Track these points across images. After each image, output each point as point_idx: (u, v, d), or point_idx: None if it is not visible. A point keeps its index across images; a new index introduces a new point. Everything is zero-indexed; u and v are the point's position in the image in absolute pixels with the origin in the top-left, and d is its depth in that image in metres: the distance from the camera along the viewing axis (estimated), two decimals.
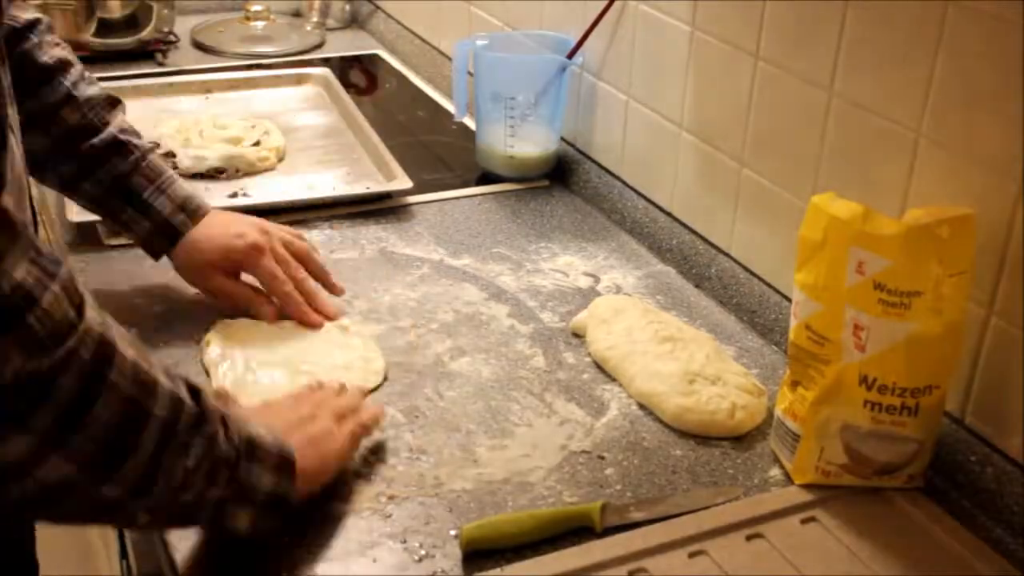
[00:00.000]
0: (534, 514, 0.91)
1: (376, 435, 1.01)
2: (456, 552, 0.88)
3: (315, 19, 2.16)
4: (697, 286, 1.30)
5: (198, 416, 0.77)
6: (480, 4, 1.76)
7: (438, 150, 1.66)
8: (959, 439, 0.98)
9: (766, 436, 1.04)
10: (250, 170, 1.50)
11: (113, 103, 1.18)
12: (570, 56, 1.45)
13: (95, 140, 1.15)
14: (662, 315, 1.19)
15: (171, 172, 1.20)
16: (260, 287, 1.18)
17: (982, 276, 0.93)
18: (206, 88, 1.77)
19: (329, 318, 1.17)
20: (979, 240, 0.90)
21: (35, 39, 1.13)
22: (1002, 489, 0.93)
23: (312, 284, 1.19)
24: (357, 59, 2.06)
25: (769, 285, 1.21)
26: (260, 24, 2.11)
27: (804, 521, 0.93)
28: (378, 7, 2.18)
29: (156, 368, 0.75)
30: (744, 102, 1.20)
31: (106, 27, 1.90)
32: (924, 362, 0.90)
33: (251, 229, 1.19)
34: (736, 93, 1.21)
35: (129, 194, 1.16)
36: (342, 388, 1.01)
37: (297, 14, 2.22)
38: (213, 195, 1.43)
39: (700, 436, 1.04)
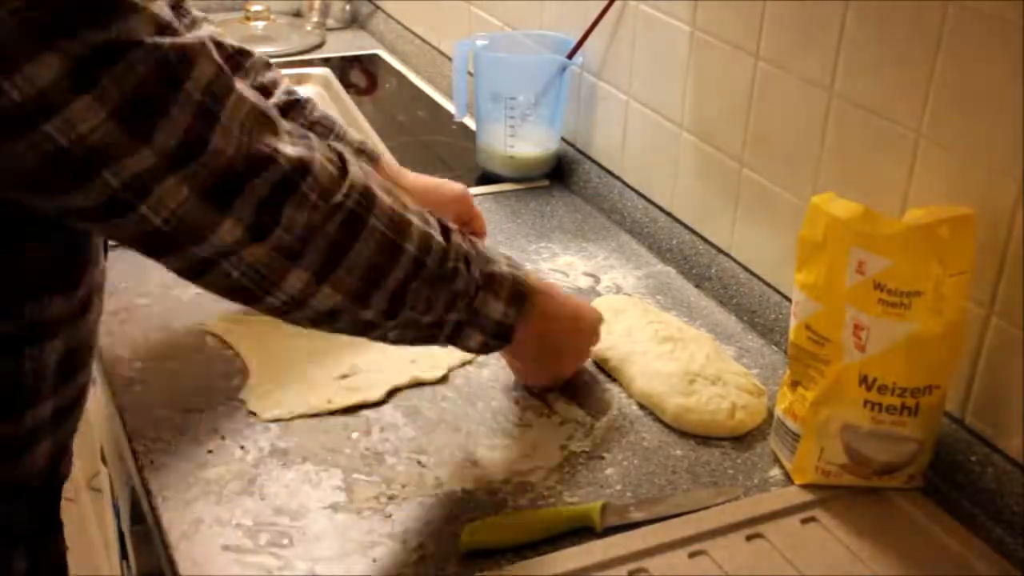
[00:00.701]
0: (534, 514, 0.91)
1: (376, 435, 1.01)
2: (456, 552, 0.88)
3: (315, 19, 2.16)
4: (697, 286, 1.30)
5: (443, 251, 0.90)
6: (480, 4, 1.76)
7: (438, 150, 1.66)
8: (959, 439, 0.98)
9: (766, 436, 1.04)
10: None
11: (269, 64, 1.24)
12: (570, 56, 1.45)
13: (272, 100, 1.20)
14: (662, 315, 1.19)
15: (339, 120, 1.25)
16: None
17: (982, 276, 0.93)
18: None
19: None
20: (979, 240, 0.90)
21: (179, 22, 1.16)
22: (1002, 489, 0.93)
23: None
24: (357, 59, 2.06)
25: (769, 285, 1.21)
26: (260, 24, 2.10)
27: (804, 521, 0.93)
28: (378, 7, 2.18)
29: (411, 211, 0.88)
30: (744, 102, 1.20)
31: None
32: (924, 362, 0.90)
33: (451, 182, 1.29)
34: (736, 93, 1.21)
35: None
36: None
37: (297, 14, 2.22)
38: None
39: (700, 436, 1.04)
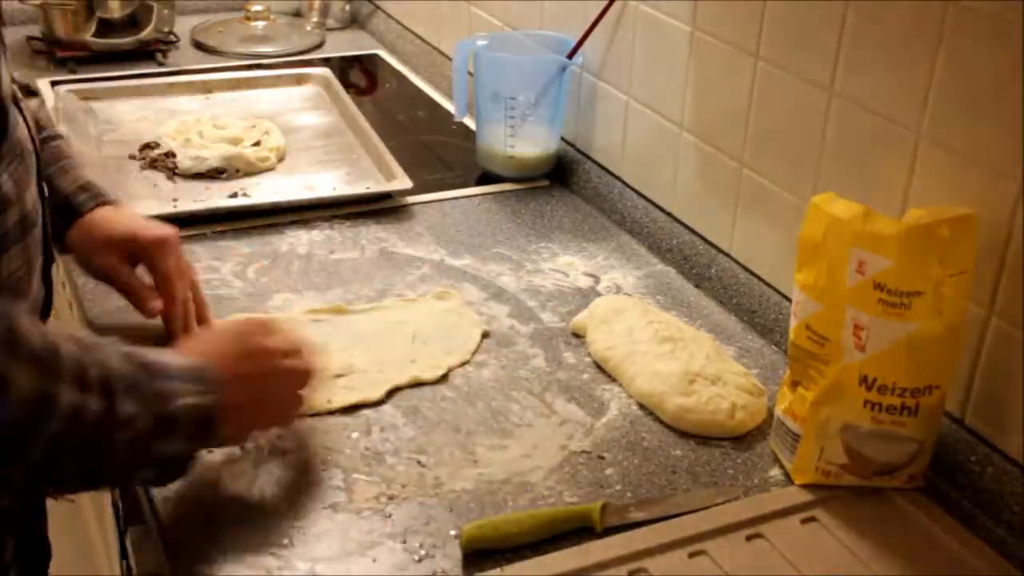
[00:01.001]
0: (534, 514, 0.91)
1: (376, 435, 1.01)
2: (456, 552, 0.88)
3: (315, 19, 2.16)
4: (697, 286, 1.30)
5: (99, 421, 0.79)
6: (480, 4, 1.76)
7: (438, 150, 1.66)
8: (959, 439, 0.98)
9: (766, 436, 1.04)
10: (250, 170, 1.50)
11: (27, 92, 1.12)
12: (570, 56, 1.45)
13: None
14: (662, 315, 1.19)
15: (77, 159, 1.14)
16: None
17: (982, 276, 0.93)
18: (206, 88, 1.77)
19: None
20: (979, 240, 0.90)
21: None
22: (1002, 489, 0.93)
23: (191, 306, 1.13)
24: (357, 59, 2.06)
25: (769, 285, 1.21)
26: (260, 24, 2.10)
27: (804, 521, 0.93)
28: (378, 7, 2.18)
29: (67, 378, 0.77)
30: (744, 102, 1.20)
31: (106, 27, 1.90)
32: (924, 362, 0.90)
33: (164, 226, 1.13)
34: (736, 93, 1.21)
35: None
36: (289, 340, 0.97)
37: (297, 14, 2.22)
38: (213, 195, 1.44)
39: (700, 436, 1.04)
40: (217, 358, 0.90)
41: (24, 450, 0.76)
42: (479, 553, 0.88)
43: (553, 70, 1.45)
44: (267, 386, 0.93)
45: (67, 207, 1.10)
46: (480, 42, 1.51)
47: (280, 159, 1.55)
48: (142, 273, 1.11)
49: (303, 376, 0.96)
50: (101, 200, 1.12)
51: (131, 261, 1.11)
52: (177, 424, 0.84)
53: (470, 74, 1.53)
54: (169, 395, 0.84)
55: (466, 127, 1.69)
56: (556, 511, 0.92)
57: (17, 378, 0.74)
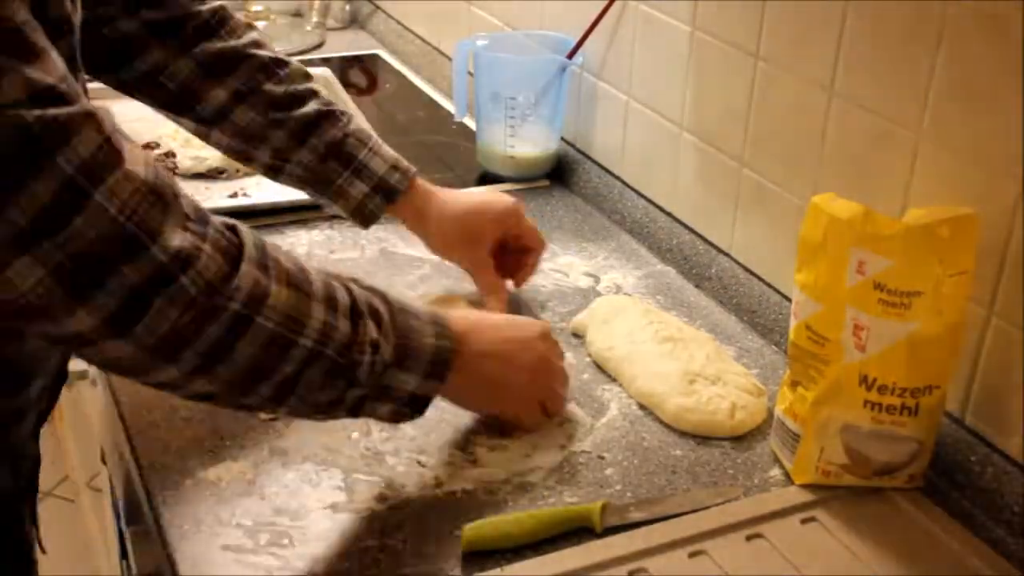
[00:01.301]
0: (534, 514, 0.91)
1: (376, 435, 1.01)
2: (456, 552, 0.88)
3: (315, 19, 2.16)
4: (697, 286, 1.30)
5: (346, 343, 0.84)
6: (480, 4, 1.76)
7: (438, 150, 1.66)
8: (959, 439, 0.98)
9: (766, 436, 1.04)
10: (250, 170, 1.50)
11: (310, 76, 1.20)
12: (570, 56, 1.45)
13: (304, 109, 1.16)
14: (662, 315, 1.19)
15: (376, 137, 1.21)
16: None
17: (982, 276, 0.93)
18: None
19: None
20: (979, 240, 0.90)
21: (223, 29, 1.15)
22: (1002, 489, 0.93)
23: None
24: (357, 59, 2.06)
25: (769, 285, 1.21)
26: (260, 24, 2.11)
27: (804, 521, 0.93)
28: (378, 7, 2.18)
29: (316, 298, 0.82)
30: (744, 102, 1.20)
31: None
32: (924, 362, 0.90)
33: (503, 195, 1.24)
34: (736, 93, 1.21)
35: (344, 158, 1.16)
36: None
37: (297, 14, 2.22)
38: (213, 195, 1.44)
39: (700, 436, 1.04)
40: (477, 325, 0.97)
41: (277, 366, 0.80)
42: (479, 553, 0.88)
43: (553, 70, 1.45)
44: (513, 367, 0.99)
45: (384, 187, 1.18)
46: (480, 42, 1.51)
47: None
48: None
49: (555, 381, 1.03)
50: (409, 174, 1.20)
51: (492, 240, 1.20)
52: (415, 359, 0.89)
53: (470, 74, 1.53)
54: (410, 330, 0.89)
55: (466, 127, 1.69)
56: (556, 511, 0.92)
57: (275, 295, 0.79)
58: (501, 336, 0.99)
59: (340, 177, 1.17)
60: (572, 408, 1.07)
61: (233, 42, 1.15)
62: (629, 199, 1.43)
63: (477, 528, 0.89)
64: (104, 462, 1.40)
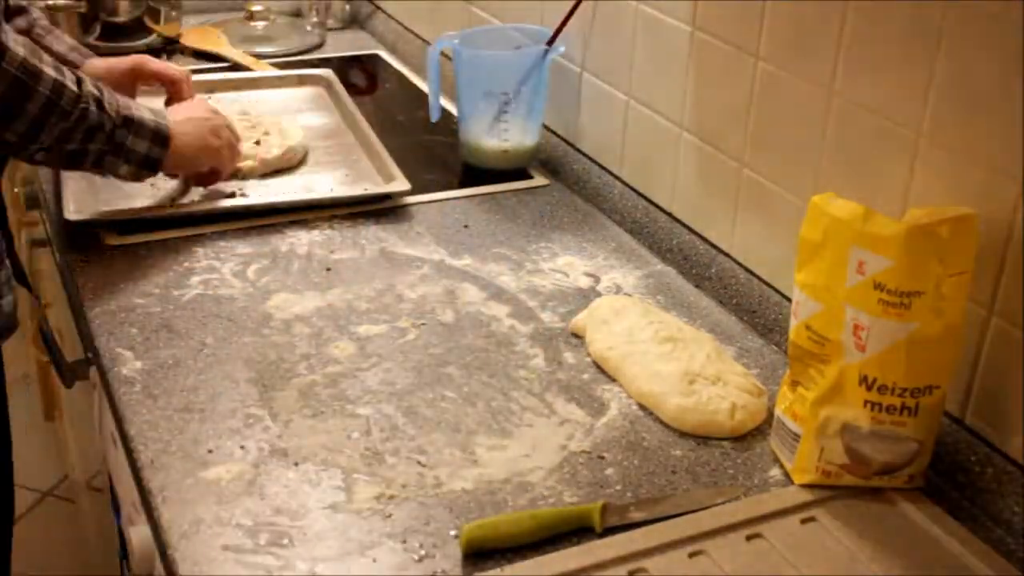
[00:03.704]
0: (534, 514, 0.91)
1: (376, 435, 1.01)
2: (456, 552, 0.88)
3: (315, 19, 2.16)
4: (697, 286, 1.30)
5: (75, 96, 1.15)
6: (480, 4, 1.76)
7: (438, 150, 1.66)
8: (959, 439, 0.98)
9: (766, 436, 1.04)
10: (249, 171, 1.50)
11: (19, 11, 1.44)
12: (549, 44, 1.46)
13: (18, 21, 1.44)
14: (662, 315, 1.19)
15: (57, 31, 1.47)
16: None
17: (982, 276, 0.93)
18: (209, 88, 1.77)
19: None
20: (979, 240, 0.90)
21: None
22: (1002, 489, 0.93)
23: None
24: (357, 59, 2.06)
25: (769, 285, 1.21)
26: (260, 24, 2.10)
27: (804, 521, 0.93)
28: (378, 7, 2.18)
29: (46, 63, 1.13)
30: (744, 102, 1.20)
31: (113, 30, 1.91)
32: (924, 362, 0.90)
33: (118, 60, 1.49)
34: (736, 93, 1.21)
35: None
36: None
37: (297, 14, 2.22)
38: (212, 195, 1.43)
39: (700, 436, 1.04)
40: (172, 110, 1.34)
41: (23, 106, 1.11)
42: (479, 553, 0.88)
43: (536, 60, 1.46)
44: (208, 135, 1.35)
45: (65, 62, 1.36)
46: (452, 40, 1.51)
47: (299, 160, 1.56)
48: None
49: (233, 142, 1.42)
50: (88, 56, 1.46)
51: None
52: (140, 127, 1.23)
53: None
54: (130, 106, 1.23)
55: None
56: (556, 511, 0.92)
57: (14, 52, 1.09)
58: (186, 115, 1.34)
59: None
60: (572, 408, 1.07)
61: None
62: (629, 199, 1.43)
63: (477, 528, 0.89)
64: (104, 462, 1.40)
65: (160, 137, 1.25)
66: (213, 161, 1.37)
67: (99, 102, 1.18)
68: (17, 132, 1.12)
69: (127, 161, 1.23)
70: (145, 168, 1.25)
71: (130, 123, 1.22)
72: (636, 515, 0.93)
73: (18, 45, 1.11)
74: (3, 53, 1.09)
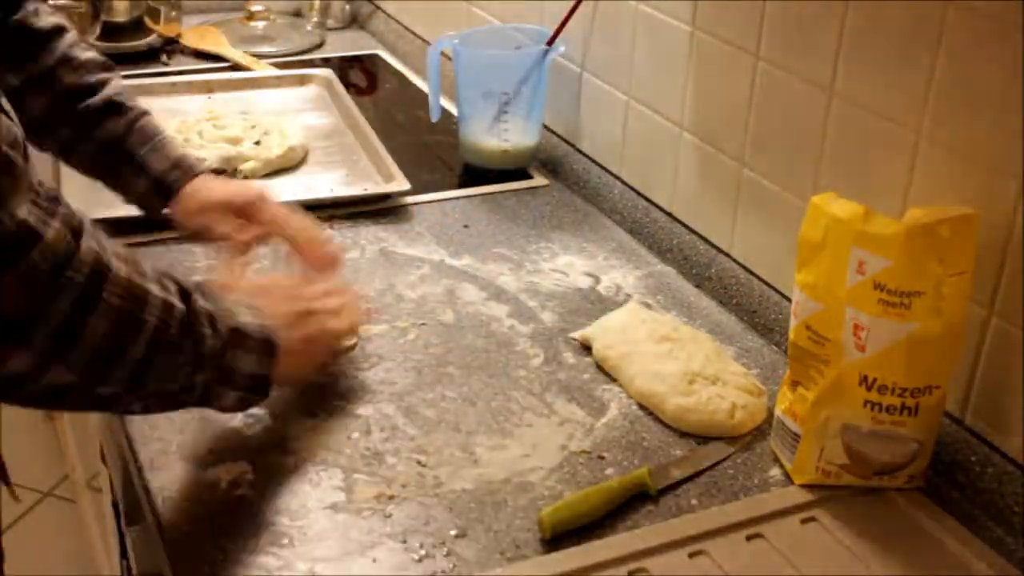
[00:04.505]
0: (597, 489, 0.94)
1: (376, 435, 1.01)
2: (456, 552, 0.89)
3: (315, 19, 2.16)
4: (697, 286, 1.30)
5: (186, 318, 0.85)
6: (480, 4, 1.76)
7: (438, 150, 1.66)
8: (959, 439, 0.98)
9: (766, 436, 1.04)
10: (249, 173, 1.50)
11: (108, 67, 1.22)
12: (549, 43, 1.46)
13: (91, 101, 1.18)
14: (662, 315, 1.19)
15: (165, 133, 1.22)
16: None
17: (982, 276, 0.93)
18: (208, 88, 1.77)
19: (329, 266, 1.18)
20: (979, 240, 0.90)
21: (31, 7, 1.17)
22: (1002, 489, 0.93)
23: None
24: (357, 59, 2.06)
25: (769, 285, 1.21)
26: (260, 24, 2.10)
27: (804, 521, 0.93)
28: (378, 7, 2.18)
29: (149, 278, 0.83)
30: (744, 102, 1.20)
31: (112, 30, 1.91)
32: (924, 362, 0.90)
33: (255, 186, 1.25)
34: (736, 93, 1.21)
35: (125, 154, 1.19)
36: (338, 294, 1.08)
37: (297, 14, 2.22)
38: None
39: (700, 436, 1.04)
40: (263, 301, 0.97)
41: (127, 347, 0.81)
42: (562, 535, 0.90)
43: (536, 60, 1.46)
44: (312, 324, 1.00)
45: (162, 187, 1.20)
46: (452, 40, 1.51)
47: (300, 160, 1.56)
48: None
49: (342, 312, 1.05)
50: (191, 173, 1.21)
51: (229, 216, 1.19)
52: (247, 338, 0.90)
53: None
54: (233, 311, 0.91)
55: None
56: (612, 484, 0.94)
57: (116, 269, 0.80)
58: (273, 301, 0.99)
59: (119, 173, 1.20)
60: (572, 408, 1.07)
61: (35, 24, 1.17)
62: (629, 199, 1.43)
63: (555, 512, 0.90)
64: (104, 462, 1.40)
65: (268, 344, 0.92)
66: (325, 358, 1.07)
67: (211, 319, 0.88)
68: (118, 383, 0.82)
69: (234, 386, 0.91)
70: (253, 393, 0.93)
71: (240, 336, 0.90)
72: (676, 472, 0.98)
73: (119, 261, 0.81)
74: (105, 275, 0.79)
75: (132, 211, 1.26)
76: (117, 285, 0.79)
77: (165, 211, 1.22)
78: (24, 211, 0.73)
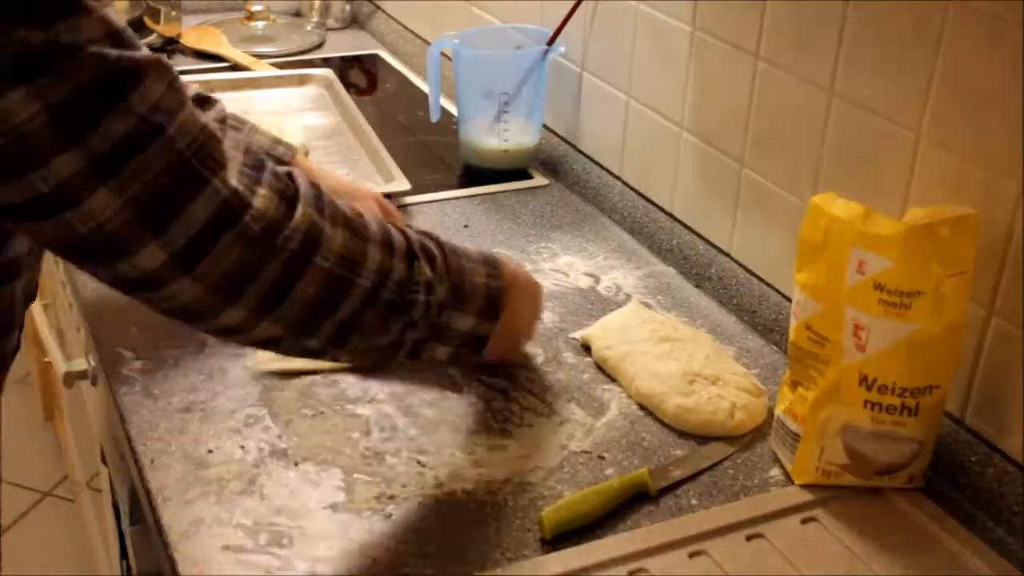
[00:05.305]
0: (596, 490, 0.93)
1: (376, 435, 1.01)
2: (456, 553, 0.88)
3: (315, 19, 2.16)
4: (697, 286, 1.30)
5: (403, 281, 0.89)
6: (480, 4, 1.76)
7: (438, 150, 1.66)
8: (959, 439, 0.98)
9: (766, 436, 1.04)
10: None
11: (205, 100, 1.19)
12: (550, 43, 1.46)
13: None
14: (662, 315, 1.19)
15: (252, 123, 1.24)
16: None
17: (982, 276, 0.93)
18: (208, 88, 1.76)
19: None
20: (979, 240, 0.90)
21: None
22: (1002, 489, 0.93)
23: None
24: (357, 59, 2.06)
25: (769, 285, 1.21)
26: (260, 24, 2.11)
27: (804, 521, 0.93)
28: (378, 7, 2.18)
29: (373, 239, 0.87)
30: (744, 102, 1.20)
31: None
32: (924, 362, 0.90)
33: (365, 185, 1.27)
34: (736, 93, 1.21)
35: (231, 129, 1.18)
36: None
37: (297, 14, 2.22)
38: None
39: (700, 436, 1.04)
40: (518, 265, 1.04)
41: (336, 307, 0.85)
42: (561, 536, 0.90)
43: (536, 60, 1.46)
44: (531, 299, 1.06)
45: (271, 157, 1.19)
46: (452, 40, 1.51)
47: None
48: None
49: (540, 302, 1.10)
50: (294, 150, 1.26)
51: None
52: (470, 298, 0.95)
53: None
54: (463, 270, 0.95)
55: None
56: (612, 484, 0.94)
57: (331, 236, 0.84)
58: (523, 271, 1.06)
59: None
60: (572, 408, 1.07)
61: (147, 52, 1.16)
62: (629, 199, 1.43)
63: (555, 512, 0.90)
64: (104, 462, 1.40)
65: (492, 306, 0.96)
66: (530, 335, 1.10)
67: (430, 287, 0.91)
68: (324, 338, 0.87)
69: (447, 343, 0.95)
70: (467, 347, 0.97)
71: (460, 294, 0.94)
72: (676, 472, 0.97)
73: (337, 227, 0.84)
74: (319, 242, 0.83)
75: None
76: (330, 251, 0.83)
77: None
78: (235, 179, 0.78)
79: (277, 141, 1.26)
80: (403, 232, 0.91)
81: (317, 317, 0.85)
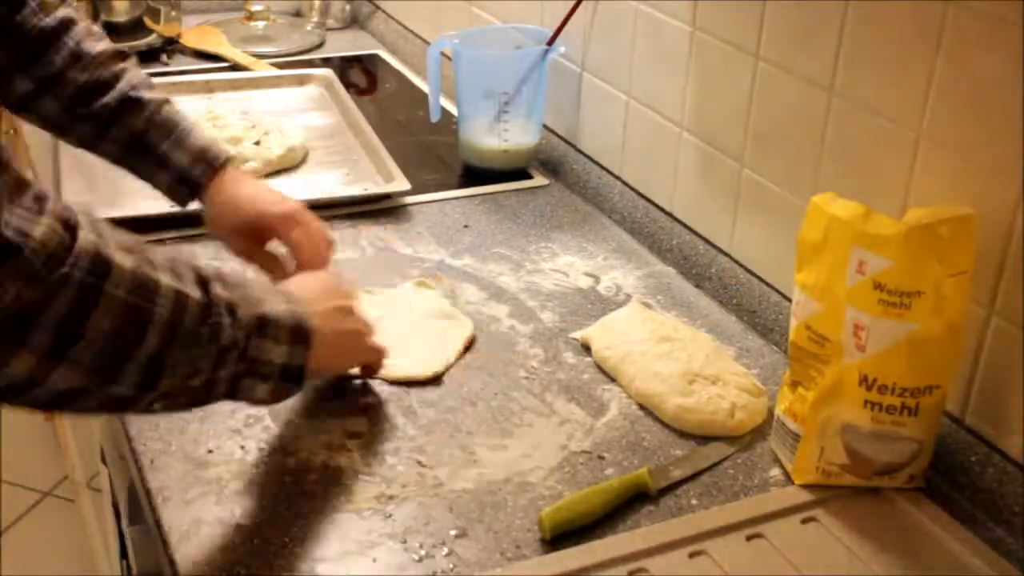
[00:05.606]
0: (596, 489, 0.93)
1: (376, 435, 1.01)
2: (456, 553, 0.89)
3: (315, 19, 2.16)
4: (697, 286, 1.30)
5: (203, 309, 0.81)
6: (480, 4, 1.76)
7: (438, 150, 1.66)
8: (959, 439, 0.98)
9: (766, 436, 1.04)
10: (251, 173, 1.50)
11: (121, 56, 1.18)
12: (549, 43, 1.46)
13: (106, 99, 1.15)
14: (661, 315, 1.19)
15: (187, 123, 1.19)
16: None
17: (982, 276, 0.93)
18: (208, 88, 1.77)
19: None
20: (979, 240, 0.90)
21: (33, 3, 1.14)
22: (1002, 489, 0.93)
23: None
24: (357, 59, 2.06)
25: (769, 285, 1.21)
26: (260, 24, 2.11)
27: (804, 521, 0.93)
28: (378, 7, 2.18)
29: (160, 267, 0.79)
30: (744, 102, 1.20)
31: (112, 30, 1.90)
32: (924, 362, 0.90)
33: (288, 199, 1.18)
34: (736, 93, 1.21)
35: (146, 149, 1.17)
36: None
37: (297, 14, 2.22)
38: None
39: (700, 436, 1.04)
40: (297, 286, 0.97)
41: (138, 343, 0.77)
42: (562, 536, 0.90)
43: (537, 60, 1.46)
44: (347, 327, 0.99)
45: (187, 181, 1.17)
46: (452, 40, 1.51)
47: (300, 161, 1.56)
48: (276, 246, 1.17)
49: (369, 337, 1.04)
50: (215, 165, 1.17)
51: (262, 237, 1.17)
52: (276, 327, 0.87)
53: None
54: (259, 300, 0.87)
55: None
56: (613, 484, 0.94)
57: (119, 261, 0.76)
58: (312, 291, 0.98)
59: (144, 168, 1.18)
60: (572, 408, 1.07)
61: (42, 21, 1.13)
62: (629, 199, 1.43)
63: (555, 512, 0.90)
64: (104, 462, 1.40)
65: (301, 333, 0.89)
66: (358, 358, 1.06)
67: (231, 308, 0.83)
68: (130, 382, 0.78)
69: (263, 378, 0.87)
70: (286, 382, 0.89)
71: (265, 324, 0.86)
72: (676, 473, 0.97)
73: (123, 253, 0.77)
74: (107, 268, 0.75)
75: (141, 210, 1.29)
76: (121, 277, 0.76)
77: (194, 204, 1.20)
78: (8, 214, 0.71)
79: (208, 147, 1.18)
80: (185, 259, 0.83)
81: (118, 357, 0.76)
